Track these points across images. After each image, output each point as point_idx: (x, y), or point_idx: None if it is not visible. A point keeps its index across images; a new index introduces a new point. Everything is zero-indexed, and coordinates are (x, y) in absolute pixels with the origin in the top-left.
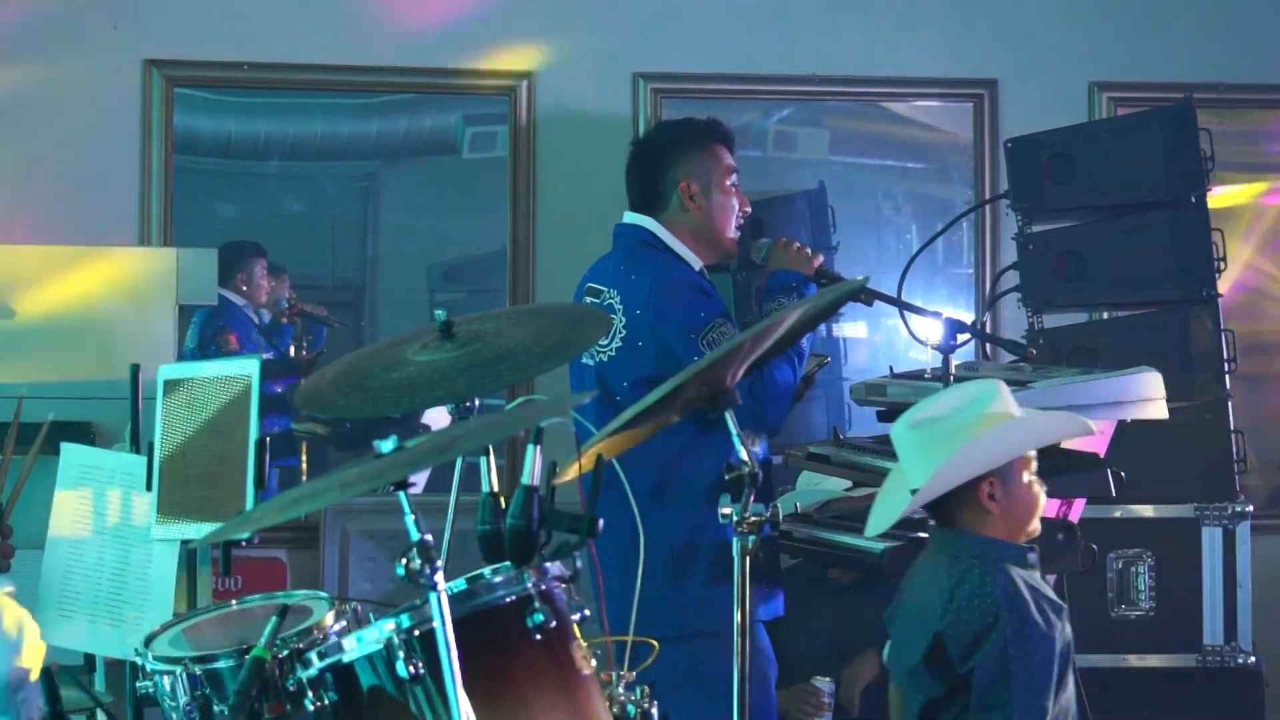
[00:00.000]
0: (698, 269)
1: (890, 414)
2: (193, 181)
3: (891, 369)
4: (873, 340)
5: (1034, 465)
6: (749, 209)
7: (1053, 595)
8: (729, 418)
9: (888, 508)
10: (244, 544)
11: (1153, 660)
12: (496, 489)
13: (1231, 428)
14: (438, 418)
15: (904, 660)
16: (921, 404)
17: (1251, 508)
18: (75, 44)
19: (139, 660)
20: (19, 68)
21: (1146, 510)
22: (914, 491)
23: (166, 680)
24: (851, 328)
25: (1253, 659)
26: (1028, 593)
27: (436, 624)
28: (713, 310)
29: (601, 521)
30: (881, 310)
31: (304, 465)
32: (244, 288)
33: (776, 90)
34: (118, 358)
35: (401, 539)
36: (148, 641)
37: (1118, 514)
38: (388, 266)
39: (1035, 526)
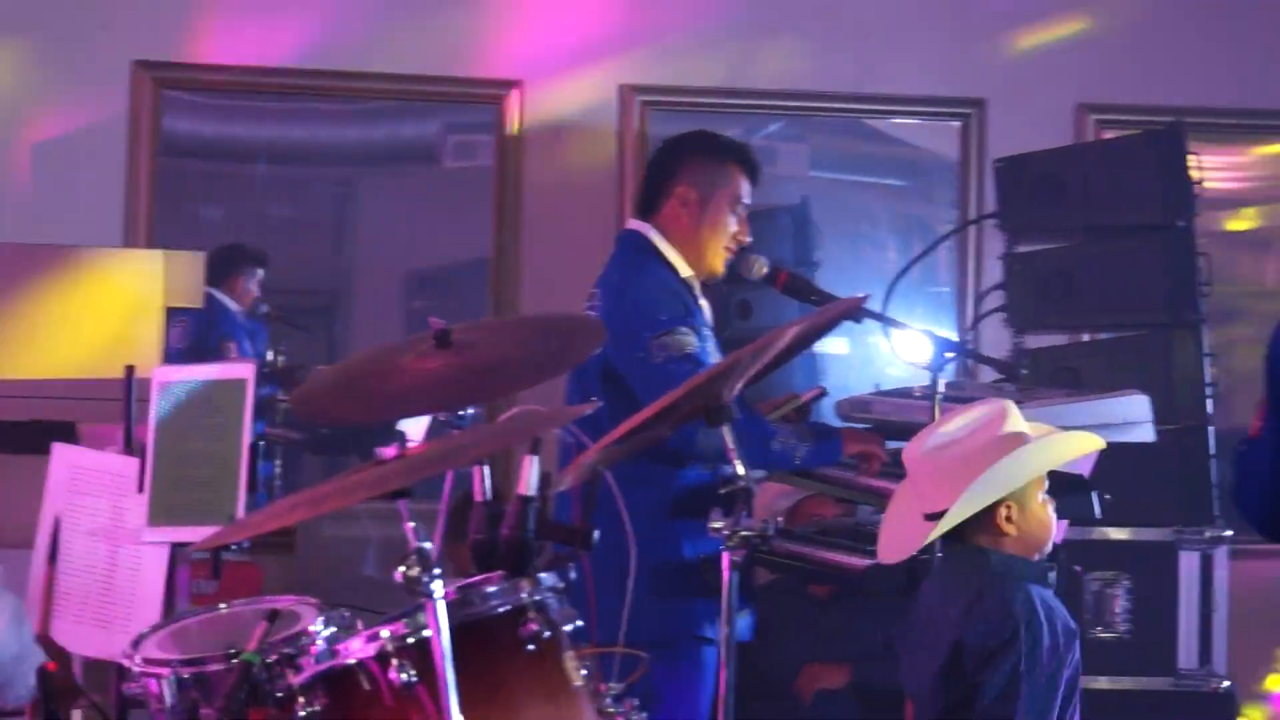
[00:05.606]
0: (684, 275)
1: (874, 431)
2: (175, 184)
3: (878, 386)
4: (852, 356)
5: (1046, 484)
6: (747, 239)
7: (1068, 618)
8: (725, 433)
9: (903, 532)
10: (234, 548)
11: (1127, 683)
12: (490, 497)
13: (1211, 452)
14: (414, 424)
15: (920, 674)
16: (932, 427)
17: (1230, 532)
18: (64, 44)
19: (126, 662)
20: (6, 67)
21: (1124, 533)
22: (930, 516)
23: (154, 683)
24: (833, 344)
25: (1227, 683)
26: (1044, 613)
27: (433, 632)
28: (677, 317)
29: (598, 533)
30: (866, 326)
31: (278, 470)
32: (237, 289)
33: (764, 105)
34: (103, 358)
35: (379, 545)
36: (136, 643)
37: (1095, 536)
38: (364, 273)
39: (1049, 547)
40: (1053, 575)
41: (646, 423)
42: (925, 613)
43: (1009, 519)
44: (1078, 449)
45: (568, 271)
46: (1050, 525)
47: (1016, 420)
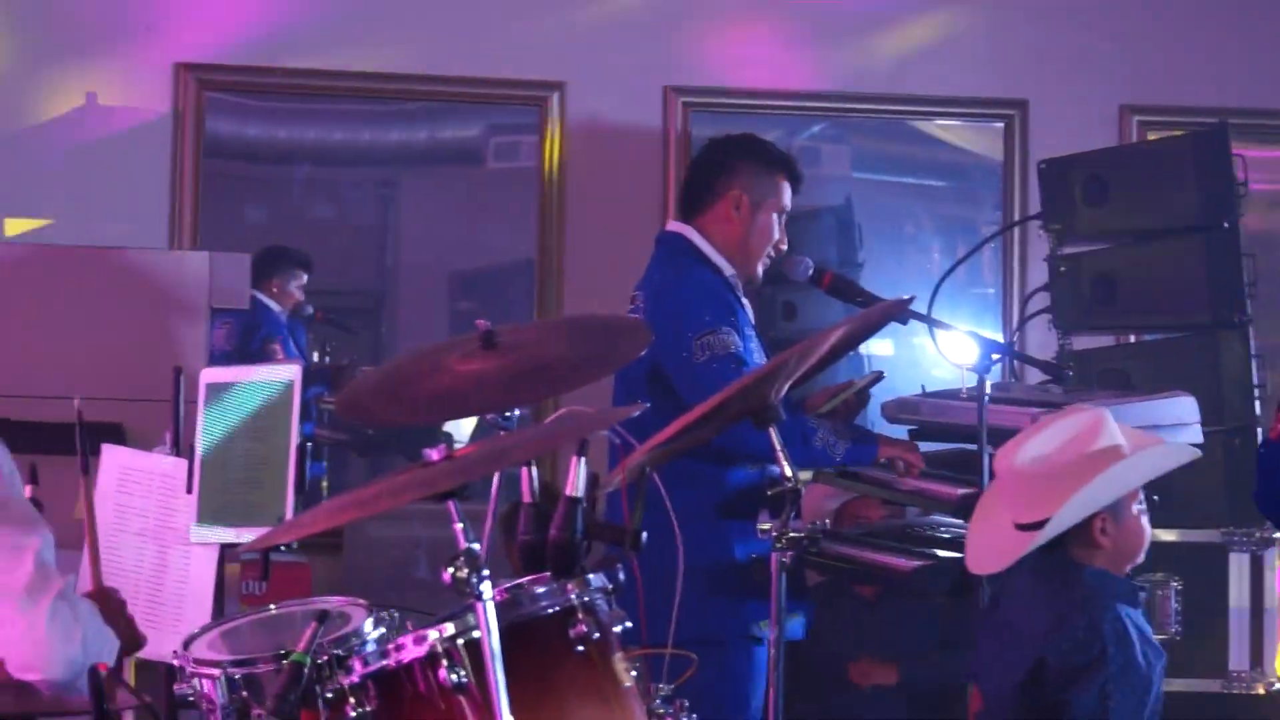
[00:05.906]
0: (728, 274)
1: (921, 433)
2: (219, 186)
3: (924, 387)
4: (897, 358)
5: (1141, 495)
6: (785, 247)
7: (1154, 639)
8: (773, 434)
9: (995, 542)
10: (282, 548)
11: (1178, 685)
12: (537, 499)
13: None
14: (460, 424)
15: (998, 679)
16: (1024, 436)
17: (1279, 534)
18: (108, 47)
19: (177, 662)
20: (52, 69)
21: (1173, 534)
22: (1023, 526)
23: (205, 683)
24: (878, 345)
25: (1278, 684)
26: (1135, 634)
27: (482, 633)
28: (720, 316)
29: (645, 534)
30: (910, 328)
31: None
32: (274, 290)
33: (807, 106)
34: (149, 360)
35: (425, 546)
36: (186, 644)
37: None
38: (408, 275)
39: (1142, 557)
40: (1142, 595)
41: (693, 424)
42: (1007, 615)
43: (1104, 531)
44: (1175, 460)
45: (611, 272)
46: (1144, 535)
47: (1112, 431)
